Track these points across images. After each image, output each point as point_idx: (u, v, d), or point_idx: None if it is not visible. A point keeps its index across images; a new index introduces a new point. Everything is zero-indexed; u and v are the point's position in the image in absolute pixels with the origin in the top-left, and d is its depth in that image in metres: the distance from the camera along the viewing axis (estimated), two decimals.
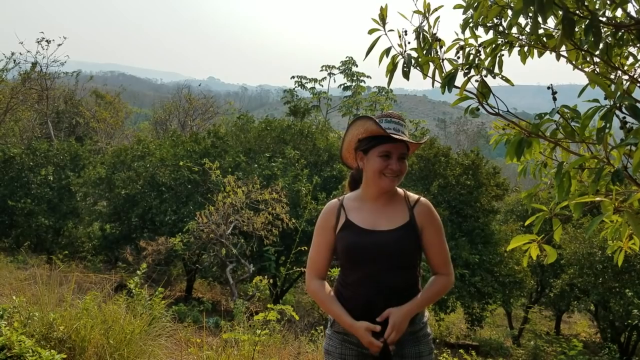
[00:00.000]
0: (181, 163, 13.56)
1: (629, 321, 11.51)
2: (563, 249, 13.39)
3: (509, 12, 2.53)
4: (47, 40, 23.33)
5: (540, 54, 2.73)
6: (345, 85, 28.68)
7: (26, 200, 16.75)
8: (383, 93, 27.89)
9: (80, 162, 18.76)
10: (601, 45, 2.52)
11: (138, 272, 5.13)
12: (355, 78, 28.40)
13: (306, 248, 6.32)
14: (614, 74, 2.75)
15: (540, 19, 1.91)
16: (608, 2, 2.44)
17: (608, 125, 1.86)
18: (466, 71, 2.49)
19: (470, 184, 14.15)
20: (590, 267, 12.67)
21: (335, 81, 28.08)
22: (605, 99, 1.91)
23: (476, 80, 2.50)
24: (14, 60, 22.85)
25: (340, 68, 28.70)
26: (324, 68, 28.96)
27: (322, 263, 2.43)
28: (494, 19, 2.60)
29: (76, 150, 19.16)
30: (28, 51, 23.30)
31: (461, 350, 6.92)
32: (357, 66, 28.65)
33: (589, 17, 2.01)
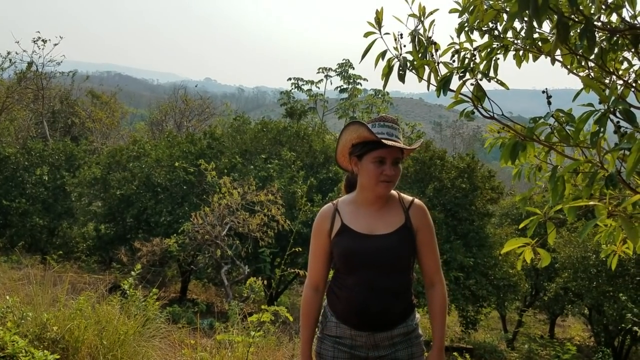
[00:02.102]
0: (177, 164, 13.55)
1: (623, 325, 11.53)
2: (557, 252, 13.43)
3: (505, 16, 2.54)
4: (43, 40, 23.33)
5: (535, 58, 2.74)
6: (342, 87, 28.71)
7: (21, 200, 16.72)
8: (379, 96, 27.93)
9: (75, 162, 18.73)
10: (596, 50, 2.53)
11: (132, 272, 5.12)
12: (351, 80, 28.44)
13: (301, 249, 6.32)
14: (608, 78, 2.76)
15: (535, 23, 1.92)
16: (603, 7, 2.45)
17: (602, 129, 1.87)
18: (461, 75, 2.50)
19: (466, 187, 14.18)
20: (584, 271, 12.71)
21: (331, 83, 28.07)
22: (600, 103, 1.92)
23: (471, 84, 2.50)
24: (10, 60, 22.83)
25: (337, 70, 28.72)
26: (320, 70, 28.98)
27: (319, 270, 2.44)
28: (490, 23, 2.61)
29: (71, 150, 19.13)
30: (24, 50, 23.32)
31: (455, 353, 6.92)
32: (353, 69, 28.71)
33: (584, 21, 2.01)
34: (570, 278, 13.24)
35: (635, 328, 10.31)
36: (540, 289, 17.04)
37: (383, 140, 2.20)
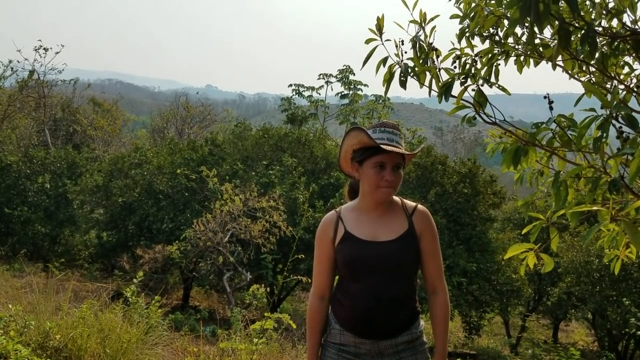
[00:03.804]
0: (178, 171, 13.55)
1: (626, 330, 11.51)
2: (560, 257, 13.40)
3: (505, 22, 2.55)
4: (44, 48, 23.39)
5: (536, 64, 2.75)
6: (343, 93, 28.71)
7: (23, 208, 16.72)
8: (380, 101, 27.92)
9: (77, 170, 18.74)
10: (597, 55, 2.53)
11: (135, 280, 5.12)
12: (352, 86, 28.44)
13: (303, 256, 6.31)
14: (610, 83, 2.77)
15: (536, 29, 1.93)
16: (604, 12, 2.45)
17: (604, 135, 1.87)
18: (463, 80, 2.51)
19: (468, 192, 14.16)
20: (587, 276, 12.69)
21: (332, 89, 27.98)
22: (602, 108, 1.92)
23: (473, 90, 2.51)
24: (12, 68, 22.87)
25: (338, 76, 28.74)
26: (321, 76, 28.99)
27: (324, 278, 2.43)
28: (490, 28, 2.62)
29: (73, 158, 19.15)
30: (26, 59, 23.35)
31: (459, 359, 6.90)
32: (354, 74, 28.71)
33: (585, 27, 2.02)
34: (574, 283, 13.21)
35: (639, 333, 10.28)
36: (544, 293, 17.00)
37: (382, 146, 2.20)
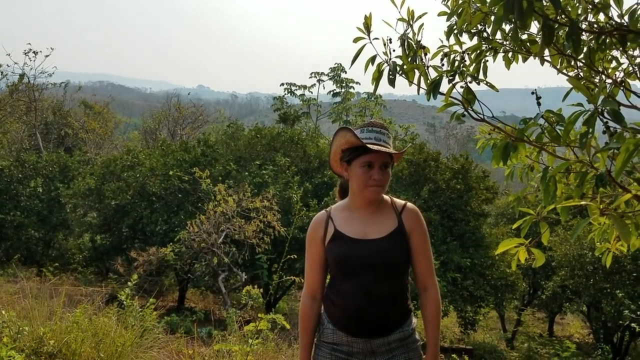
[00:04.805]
0: (171, 172, 13.51)
1: (621, 322, 11.56)
2: (554, 250, 13.45)
3: (492, 18, 2.55)
4: (34, 52, 23.30)
5: (524, 59, 2.75)
6: (335, 91, 28.68)
7: (15, 213, 16.65)
8: (372, 99, 27.89)
9: (69, 173, 18.67)
10: (585, 50, 2.54)
11: (129, 283, 5.11)
12: (344, 84, 28.40)
13: (297, 256, 6.29)
14: (597, 77, 2.78)
15: (521, 26, 1.93)
16: (590, 6, 2.46)
17: (590, 130, 1.88)
18: (450, 78, 2.51)
19: (460, 188, 14.21)
20: (581, 269, 12.73)
21: (324, 88, 27.82)
22: (589, 102, 1.93)
23: (461, 87, 2.51)
24: (1, 72, 22.78)
25: (330, 74, 28.69)
26: (313, 75, 28.93)
27: (316, 278, 2.44)
28: (478, 25, 2.62)
29: (65, 161, 19.08)
30: (15, 63, 23.30)
31: (454, 355, 6.91)
32: (345, 72, 28.66)
33: (569, 24, 2.02)
34: (568, 276, 13.26)
35: (634, 324, 10.33)
36: (538, 287, 17.07)
37: (369, 145, 2.22)
